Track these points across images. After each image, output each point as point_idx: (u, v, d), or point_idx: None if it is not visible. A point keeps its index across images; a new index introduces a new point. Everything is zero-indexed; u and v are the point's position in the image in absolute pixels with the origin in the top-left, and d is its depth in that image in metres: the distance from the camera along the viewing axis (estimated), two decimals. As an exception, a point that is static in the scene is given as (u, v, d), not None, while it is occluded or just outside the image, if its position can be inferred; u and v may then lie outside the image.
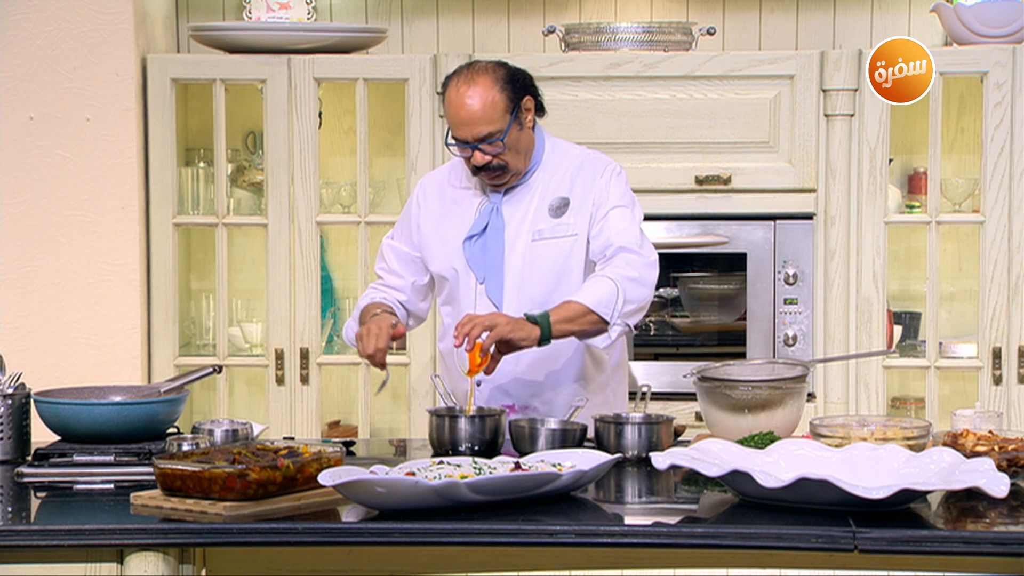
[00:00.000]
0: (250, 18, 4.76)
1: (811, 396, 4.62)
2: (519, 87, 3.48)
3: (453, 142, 3.48)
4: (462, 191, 3.61)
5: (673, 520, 2.68)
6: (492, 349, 3.26)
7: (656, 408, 3.39)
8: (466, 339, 3.23)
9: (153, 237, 4.70)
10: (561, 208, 3.53)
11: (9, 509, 2.84)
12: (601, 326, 3.37)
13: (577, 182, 3.55)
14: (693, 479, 2.97)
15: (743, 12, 5.00)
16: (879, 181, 4.59)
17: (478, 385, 3.55)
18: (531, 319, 3.29)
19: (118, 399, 3.21)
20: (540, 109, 3.54)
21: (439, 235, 3.60)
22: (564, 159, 3.58)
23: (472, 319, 3.26)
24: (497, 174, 3.50)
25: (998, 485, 2.61)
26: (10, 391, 3.23)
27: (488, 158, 3.46)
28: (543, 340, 3.30)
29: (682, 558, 2.65)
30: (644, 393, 3.32)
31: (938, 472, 2.75)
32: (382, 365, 3.39)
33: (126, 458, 3.04)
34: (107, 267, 4.63)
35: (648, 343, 4.76)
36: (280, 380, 4.71)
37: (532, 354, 3.51)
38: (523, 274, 3.51)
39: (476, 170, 3.49)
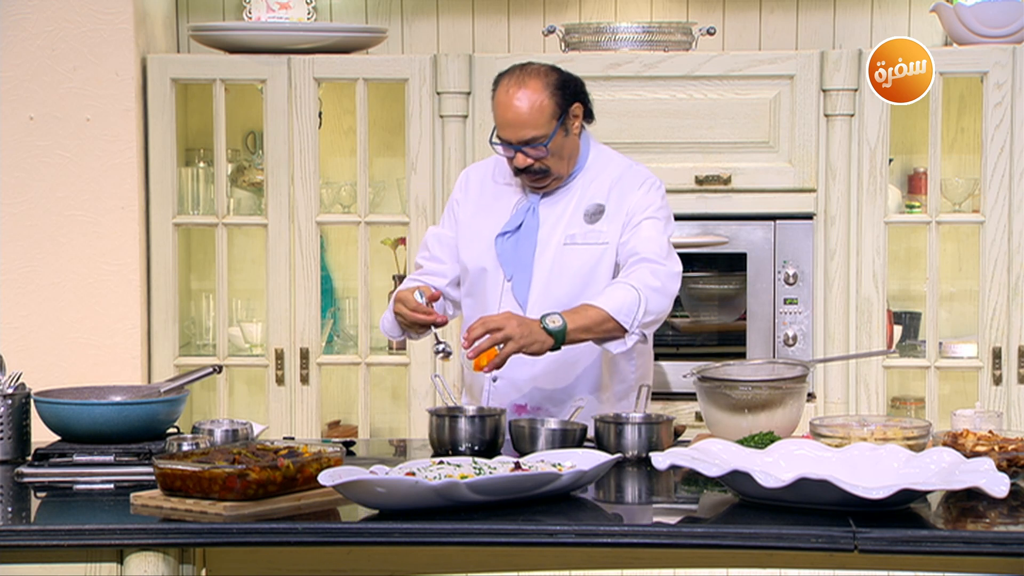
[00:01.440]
0: (250, 18, 4.76)
1: (811, 396, 4.62)
2: (569, 93, 3.46)
3: (497, 141, 3.46)
4: (503, 187, 3.60)
5: (673, 520, 2.68)
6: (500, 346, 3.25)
7: (656, 408, 3.40)
8: (474, 347, 3.22)
9: (153, 237, 4.70)
10: (596, 215, 3.52)
11: (9, 509, 2.84)
12: (617, 333, 3.36)
13: (615, 191, 3.53)
14: (693, 479, 2.97)
15: (743, 12, 5.00)
16: (879, 181, 4.59)
17: (494, 381, 3.54)
18: (547, 329, 3.26)
19: (118, 399, 3.21)
20: (589, 115, 3.53)
21: (474, 228, 3.59)
22: (607, 167, 3.56)
23: (485, 324, 3.23)
24: (538, 177, 3.48)
25: (998, 485, 2.61)
26: (10, 391, 3.23)
27: (530, 161, 3.44)
28: (554, 348, 3.29)
29: (682, 558, 2.65)
30: (643, 393, 3.32)
31: (938, 472, 2.75)
32: (434, 323, 3.38)
33: (126, 458, 3.04)
34: (107, 267, 4.63)
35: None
36: (280, 380, 4.71)
37: (550, 362, 3.50)
38: (551, 276, 3.49)
39: (518, 171, 3.48)
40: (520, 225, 3.52)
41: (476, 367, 3.27)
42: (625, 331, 3.34)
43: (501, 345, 3.22)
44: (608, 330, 3.34)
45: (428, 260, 3.67)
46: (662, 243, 3.46)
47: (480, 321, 3.25)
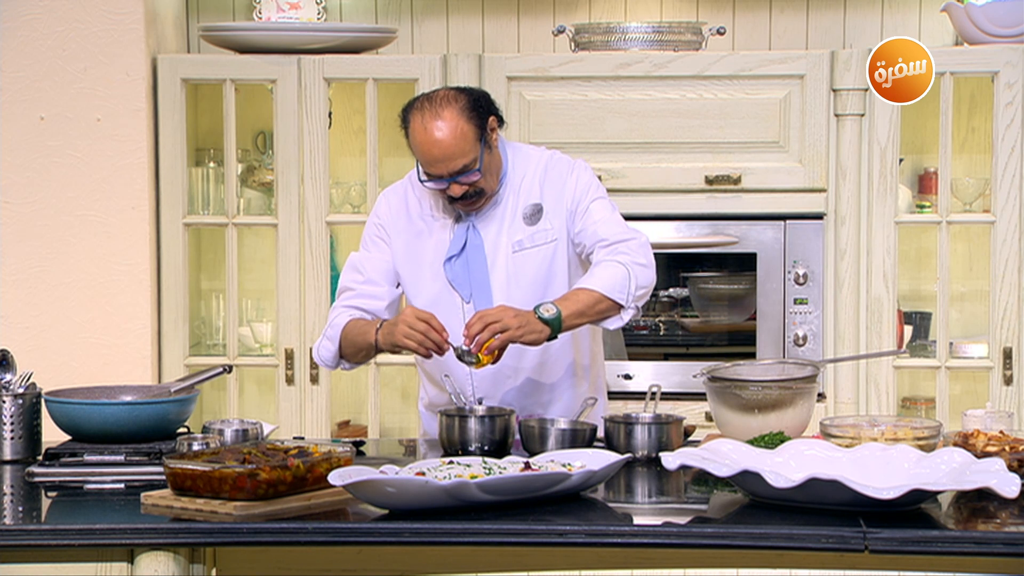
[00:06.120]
0: (260, 18, 4.76)
1: (821, 396, 4.61)
2: (483, 111, 3.38)
3: (427, 178, 3.40)
4: (431, 211, 3.54)
5: (683, 520, 2.68)
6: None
7: (666, 408, 3.39)
8: (475, 342, 3.22)
9: (163, 237, 4.70)
10: (535, 215, 3.49)
11: (20, 509, 2.85)
12: (611, 313, 3.36)
13: (546, 186, 3.50)
14: (703, 479, 2.97)
15: (753, 12, 5.00)
16: (889, 181, 4.58)
17: (479, 403, 3.52)
18: (542, 319, 3.27)
19: (129, 399, 3.21)
20: (501, 122, 3.46)
21: (413, 257, 3.53)
22: (528, 164, 3.52)
23: (483, 318, 3.23)
24: (474, 200, 3.43)
25: (1009, 485, 2.61)
26: (21, 391, 3.23)
27: (465, 188, 3.38)
28: (551, 337, 3.29)
29: (692, 558, 2.65)
30: (654, 393, 3.32)
31: (949, 472, 2.75)
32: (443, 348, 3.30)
33: (137, 458, 3.05)
34: (117, 267, 4.63)
35: (658, 343, 4.76)
36: (290, 380, 4.71)
37: (528, 372, 3.52)
38: (509, 287, 3.46)
39: (453, 200, 3.42)
40: (464, 246, 3.48)
41: (479, 366, 3.27)
42: (620, 307, 3.35)
43: (499, 335, 3.23)
44: (602, 311, 3.35)
45: (364, 284, 3.56)
46: (618, 219, 3.47)
47: (477, 316, 3.25)
